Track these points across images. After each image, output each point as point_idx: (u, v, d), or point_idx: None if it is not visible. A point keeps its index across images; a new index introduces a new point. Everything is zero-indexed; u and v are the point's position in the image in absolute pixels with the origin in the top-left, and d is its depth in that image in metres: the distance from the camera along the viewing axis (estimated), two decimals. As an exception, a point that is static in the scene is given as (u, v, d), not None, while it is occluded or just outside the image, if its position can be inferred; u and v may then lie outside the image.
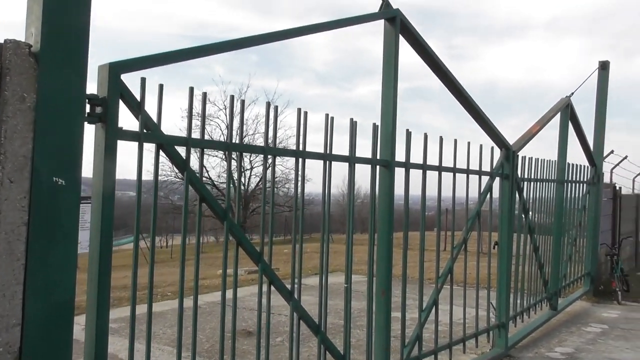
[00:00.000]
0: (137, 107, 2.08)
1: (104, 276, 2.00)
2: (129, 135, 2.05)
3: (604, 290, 7.89)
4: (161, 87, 2.16)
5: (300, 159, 2.84)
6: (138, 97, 2.08)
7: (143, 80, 2.09)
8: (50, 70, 1.71)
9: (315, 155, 3.03)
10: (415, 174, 3.77)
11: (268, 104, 2.65)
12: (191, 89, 2.25)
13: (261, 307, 2.70)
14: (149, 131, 2.13)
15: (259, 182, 31.94)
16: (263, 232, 2.68)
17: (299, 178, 2.83)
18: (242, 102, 2.70)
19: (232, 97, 2.57)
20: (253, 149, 2.74)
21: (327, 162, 3.01)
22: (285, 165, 27.04)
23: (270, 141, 2.63)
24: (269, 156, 2.69)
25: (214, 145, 2.37)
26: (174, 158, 2.24)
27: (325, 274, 3.05)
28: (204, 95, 2.33)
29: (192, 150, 2.30)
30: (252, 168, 31.13)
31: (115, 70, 1.97)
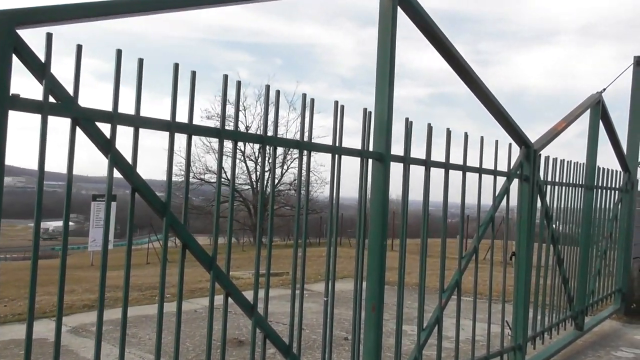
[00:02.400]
0: (39, 70, 1.65)
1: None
2: (27, 105, 1.62)
3: (637, 309, 7.16)
4: (79, 48, 1.73)
5: (267, 147, 2.39)
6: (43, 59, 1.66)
7: (49, 35, 1.66)
8: None
9: (289, 143, 2.59)
10: (417, 173, 3.27)
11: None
12: (118, 52, 1.82)
13: (224, 322, 2.25)
14: (59, 102, 1.70)
15: (277, 182, 31.70)
16: (217, 233, 2.22)
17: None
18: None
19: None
20: (207, 131, 2.26)
21: (304, 151, 2.55)
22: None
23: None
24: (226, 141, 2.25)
25: (151, 123, 1.92)
26: (95, 138, 1.80)
27: (300, 284, 2.57)
28: (140, 61, 1.90)
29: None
30: (269, 170, 30.89)
31: (7, 19, 1.54)
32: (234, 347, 5.35)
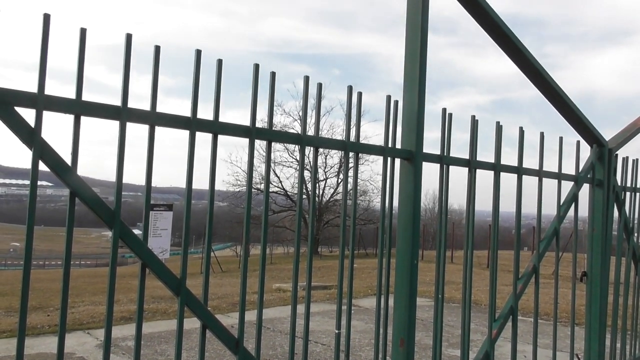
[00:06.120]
0: None
1: None
2: None
3: None
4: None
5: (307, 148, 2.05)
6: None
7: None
8: None
9: (332, 144, 2.22)
10: (458, 174, 2.70)
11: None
12: (47, 16, 1.43)
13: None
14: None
15: (333, 193, 31.24)
16: (186, 246, 1.78)
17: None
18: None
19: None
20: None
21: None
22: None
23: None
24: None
25: (92, 109, 1.51)
26: (15, 126, 1.41)
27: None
28: (84, 31, 1.50)
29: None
30: (326, 179, 30.47)
31: None
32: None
